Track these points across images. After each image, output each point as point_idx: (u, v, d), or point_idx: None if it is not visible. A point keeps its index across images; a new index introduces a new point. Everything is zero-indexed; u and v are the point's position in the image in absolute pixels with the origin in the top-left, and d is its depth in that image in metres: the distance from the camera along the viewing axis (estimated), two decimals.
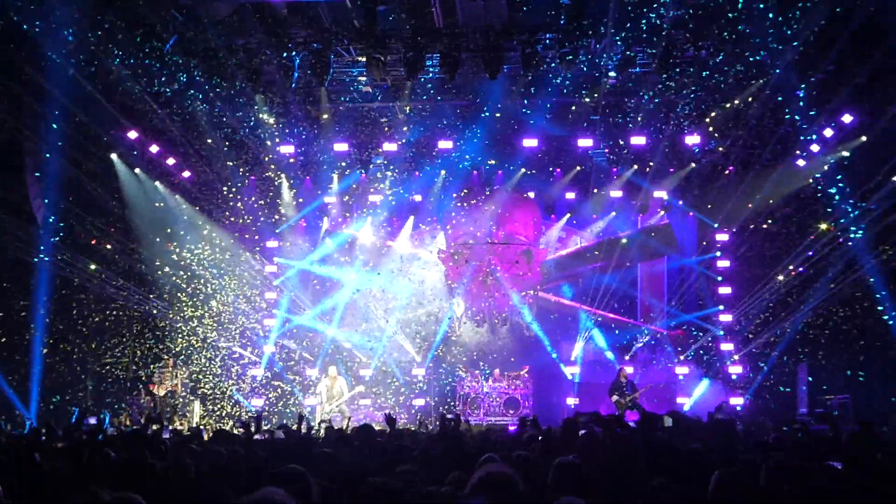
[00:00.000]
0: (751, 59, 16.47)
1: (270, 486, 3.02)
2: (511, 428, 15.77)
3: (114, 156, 19.71)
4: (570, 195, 21.57)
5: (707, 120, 18.84)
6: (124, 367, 20.45)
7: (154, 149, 19.93)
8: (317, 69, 17.00)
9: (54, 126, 16.94)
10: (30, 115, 17.11)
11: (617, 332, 21.87)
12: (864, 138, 18.14)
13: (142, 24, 15.57)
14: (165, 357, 20.26)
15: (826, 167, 18.98)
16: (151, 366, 20.25)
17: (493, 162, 20.75)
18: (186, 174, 20.95)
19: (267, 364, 21.15)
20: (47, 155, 17.69)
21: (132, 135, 19.26)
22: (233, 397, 20.88)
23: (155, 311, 20.67)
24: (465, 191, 21.62)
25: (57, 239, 18.52)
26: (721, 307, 21.17)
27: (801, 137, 18.57)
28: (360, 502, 4.44)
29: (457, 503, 2.96)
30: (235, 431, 10.96)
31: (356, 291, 21.87)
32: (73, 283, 19.33)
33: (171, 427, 16.49)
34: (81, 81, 16.46)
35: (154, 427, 9.88)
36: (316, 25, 16.22)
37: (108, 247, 20.04)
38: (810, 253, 19.39)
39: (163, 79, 17.22)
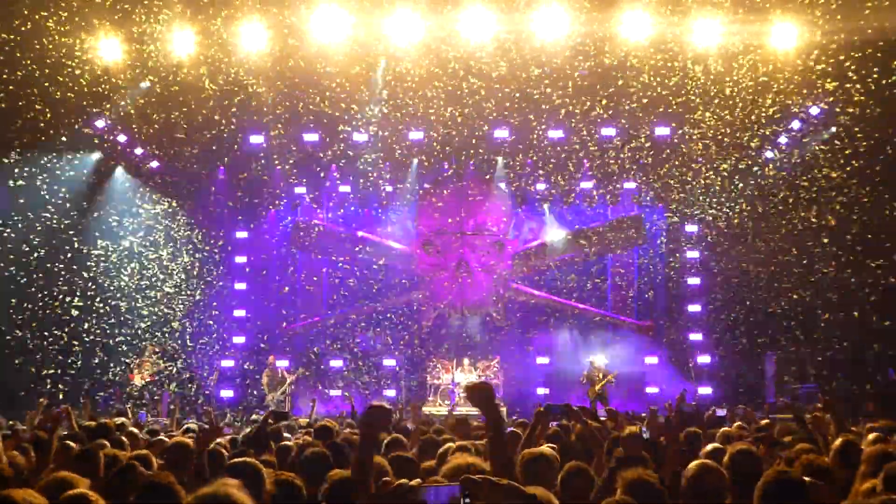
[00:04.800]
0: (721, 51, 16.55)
1: (225, 478, 2.97)
2: (483, 418, 15.76)
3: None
4: (542, 186, 21.61)
5: (677, 112, 18.88)
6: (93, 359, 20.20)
7: (122, 138, 19.65)
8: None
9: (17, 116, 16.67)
10: None
11: (587, 323, 21.94)
12: (833, 129, 18.28)
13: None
14: (149, 346, 19.98)
15: (795, 158, 19.15)
16: (129, 357, 20.00)
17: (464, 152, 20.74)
18: (154, 164, 20.73)
19: (236, 355, 21.02)
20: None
21: (99, 124, 18.99)
22: (203, 389, 20.71)
23: (122, 303, 20.41)
24: (436, 181, 21.58)
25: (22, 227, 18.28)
26: (690, 297, 21.32)
27: (772, 127, 18.75)
28: (323, 495, 4.39)
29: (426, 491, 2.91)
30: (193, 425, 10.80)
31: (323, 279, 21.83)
32: (41, 275, 19.06)
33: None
34: (48, 68, 16.20)
35: (119, 420, 9.75)
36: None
37: (73, 234, 19.73)
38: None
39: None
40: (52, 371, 19.12)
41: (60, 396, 18.52)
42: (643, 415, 13.74)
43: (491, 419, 4.01)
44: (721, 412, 14.85)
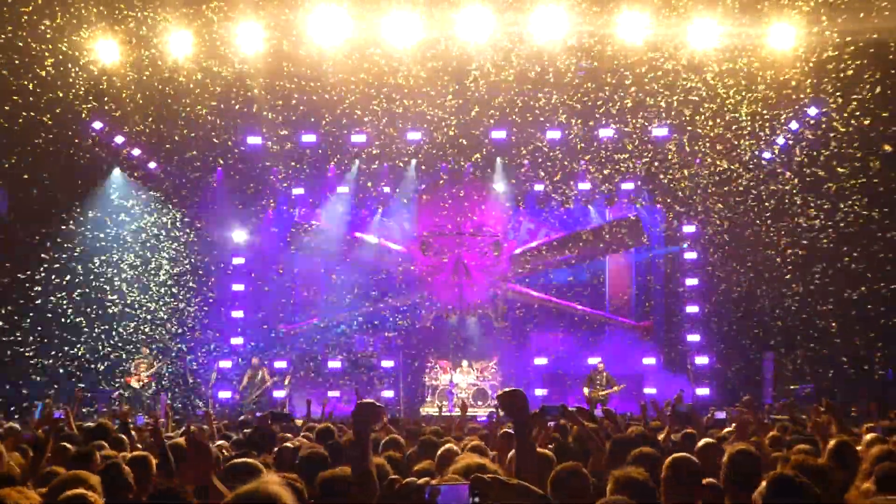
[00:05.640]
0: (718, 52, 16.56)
1: (267, 475, 2.94)
2: (481, 419, 15.78)
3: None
4: (539, 187, 21.63)
5: (675, 112, 18.88)
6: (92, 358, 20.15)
7: (119, 139, 19.65)
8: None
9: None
10: None
11: (585, 323, 21.95)
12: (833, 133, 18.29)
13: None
14: (143, 348, 19.94)
15: (793, 159, 19.17)
16: (130, 358, 19.97)
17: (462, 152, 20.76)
18: (152, 165, 20.74)
19: (234, 356, 21.01)
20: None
21: (97, 125, 18.97)
22: (200, 390, 20.70)
23: (119, 305, 20.39)
24: (434, 182, 21.59)
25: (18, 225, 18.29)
26: (688, 298, 21.34)
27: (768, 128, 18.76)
28: (322, 495, 4.39)
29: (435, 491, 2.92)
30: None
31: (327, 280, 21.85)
32: (36, 274, 19.03)
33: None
34: (42, 68, 16.19)
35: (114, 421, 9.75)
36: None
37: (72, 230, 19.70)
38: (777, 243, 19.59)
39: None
40: (49, 372, 19.13)
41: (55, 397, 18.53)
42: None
43: (519, 426, 4.13)
44: (720, 414, 14.84)
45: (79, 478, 4.33)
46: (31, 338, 18.93)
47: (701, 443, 6.14)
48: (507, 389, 4.16)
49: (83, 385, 18.92)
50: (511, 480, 2.84)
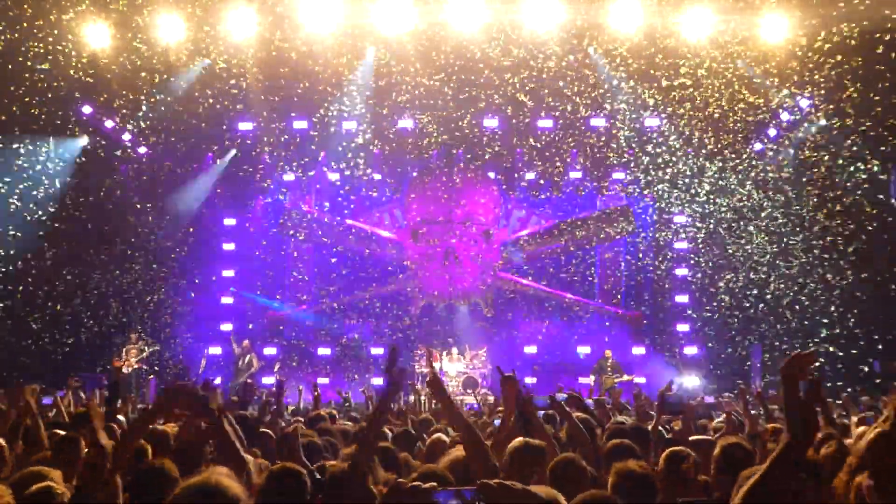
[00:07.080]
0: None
1: (214, 467, 2.93)
2: (470, 406, 15.82)
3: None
4: (531, 175, 21.62)
5: (666, 102, 18.87)
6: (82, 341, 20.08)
7: (109, 124, 19.53)
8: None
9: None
10: None
11: (574, 312, 21.97)
12: (822, 122, 18.32)
13: None
14: (133, 334, 19.88)
15: (782, 151, 19.23)
16: (116, 343, 19.92)
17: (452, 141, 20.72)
18: (143, 150, 20.62)
19: (224, 343, 20.97)
20: None
21: (86, 109, 18.85)
22: (190, 376, 20.64)
23: (108, 289, 20.32)
24: (425, 170, 21.55)
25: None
26: (678, 288, 21.38)
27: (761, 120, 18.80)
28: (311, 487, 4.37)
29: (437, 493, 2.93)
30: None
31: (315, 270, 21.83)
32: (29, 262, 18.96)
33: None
34: (34, 53, 16.10)
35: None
36: None
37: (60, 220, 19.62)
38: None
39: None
40: (37, 358, 19.07)
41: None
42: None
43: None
44: (709, 399, 14.89)
45: (40, 474, 4.31)
46: (22, 322, 18.92)
47: (692, 438, 6.15)
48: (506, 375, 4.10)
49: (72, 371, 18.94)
50: (516, 485, 2.83)
